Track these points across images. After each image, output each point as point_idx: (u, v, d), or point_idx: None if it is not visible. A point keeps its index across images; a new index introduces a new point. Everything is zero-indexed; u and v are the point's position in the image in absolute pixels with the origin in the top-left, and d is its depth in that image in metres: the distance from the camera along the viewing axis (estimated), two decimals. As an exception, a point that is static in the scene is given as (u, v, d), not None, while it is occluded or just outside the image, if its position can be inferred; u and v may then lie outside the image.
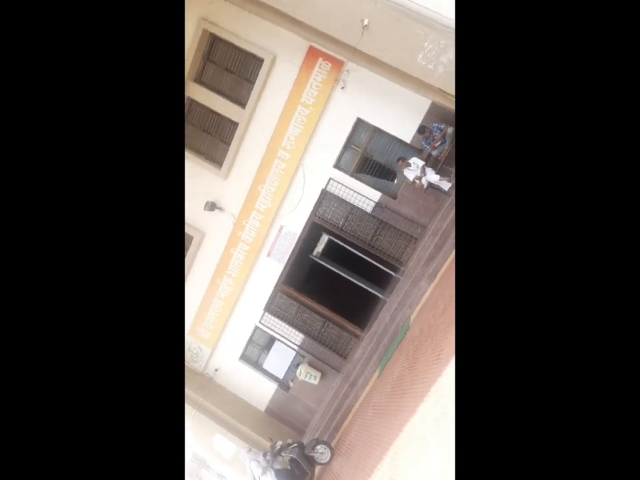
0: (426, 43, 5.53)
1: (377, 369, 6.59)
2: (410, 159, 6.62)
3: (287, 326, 8.08)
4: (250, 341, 8.50)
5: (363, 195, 7.25)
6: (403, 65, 5.96)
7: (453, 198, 6.37)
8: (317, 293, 8.39)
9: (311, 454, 6.20)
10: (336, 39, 6.36)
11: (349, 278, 8.24)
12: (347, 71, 6.80)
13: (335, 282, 8.66)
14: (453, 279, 5.06)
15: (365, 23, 5.71)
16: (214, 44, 7.39)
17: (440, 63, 5.59)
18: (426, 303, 6.00)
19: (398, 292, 6.88)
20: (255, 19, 6.64)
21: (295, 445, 6.36)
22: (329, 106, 7.04)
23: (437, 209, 6.98)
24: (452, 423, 2.75)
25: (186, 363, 8.33)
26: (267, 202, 7.67)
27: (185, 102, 7.74)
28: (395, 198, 7.21)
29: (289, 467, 6.22)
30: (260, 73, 7.20)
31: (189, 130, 7.97)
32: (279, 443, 6.43)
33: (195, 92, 7.63)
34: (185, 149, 7.89)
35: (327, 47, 6.60)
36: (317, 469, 6.34)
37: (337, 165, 7.33)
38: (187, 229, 8.20)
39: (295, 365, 8.25)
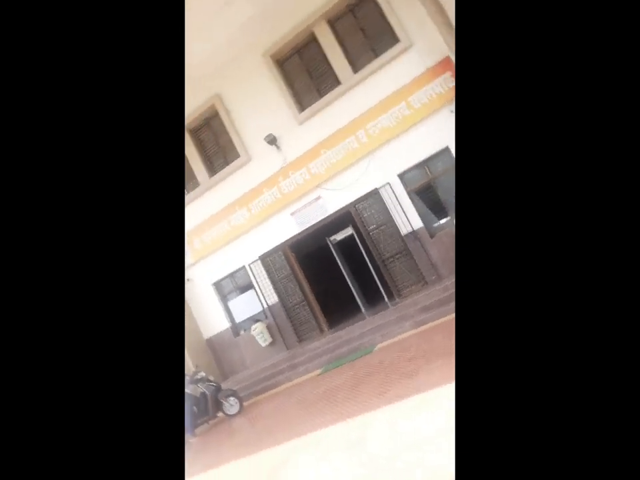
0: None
1: (321, 367, 6.62)
2: (468, 211, 6.45)
3: (269, 283, 8.13)
4: (231, 275, 8.59)
5: (406, 216, 7.12)
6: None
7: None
8: (311, 273, 8.40)
9: (222, 400, 6.35)
10: (475, 65, 6.10)
11: (347, 278, 8.21)
12: (466, 99, 6.56)
13: (332, 273, 8.65)
14: (435, 337, 5.03)
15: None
16: (364, -1, 7.18)
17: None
18: (399, 341, 5.94)
19: (380, 317, 6.84)
20: None
21: (214, 384, 6.50)
22: (429, 119, 6.85)
23: (461, 269, 6.83)
24: (368, 458, 2.75)
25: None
26: (321, 167, 7.58)
27: (306, 36, 7.60)
28: (432, 236, 7.07)
29: (197, 397, 6.38)
30: (389, 52, 7.00)
31: (294, 61, 7.86)
32: (201, 374, 6.58)
33: (321, 31, 7.47)
34: (281, 78, 7.79)
35: (463, 66, 6.36)
36: (220, 415, 6.49)
37: (401, 176, 7.19)
38: (238, 148, 8.20)
39: (254, 320, 8.35)
